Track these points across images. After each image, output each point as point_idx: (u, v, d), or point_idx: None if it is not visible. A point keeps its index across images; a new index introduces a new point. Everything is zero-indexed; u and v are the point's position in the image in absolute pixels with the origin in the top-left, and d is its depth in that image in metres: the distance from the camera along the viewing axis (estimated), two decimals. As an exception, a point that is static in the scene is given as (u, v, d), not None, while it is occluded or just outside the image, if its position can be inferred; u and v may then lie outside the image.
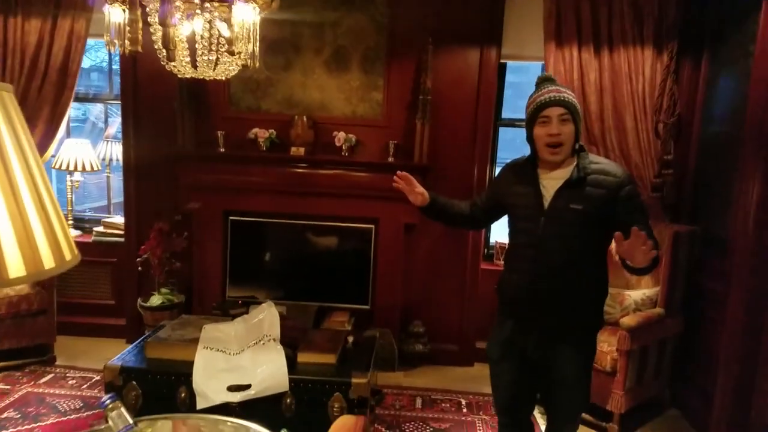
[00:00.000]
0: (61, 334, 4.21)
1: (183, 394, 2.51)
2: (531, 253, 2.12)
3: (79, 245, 4.44)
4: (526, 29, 3.96)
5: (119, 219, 4.36)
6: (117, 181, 4.60)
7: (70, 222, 4.43)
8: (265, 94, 4.06)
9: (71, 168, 4.23)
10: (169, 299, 4.05)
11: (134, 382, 2.54)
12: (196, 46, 2.33)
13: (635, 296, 3.53)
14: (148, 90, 4.10)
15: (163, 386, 2.53)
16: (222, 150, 3.98)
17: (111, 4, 2.27)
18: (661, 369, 3.51)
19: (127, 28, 2.34)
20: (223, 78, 2.58)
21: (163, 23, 2.17)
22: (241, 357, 2.58)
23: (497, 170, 4.42)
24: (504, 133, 4.65)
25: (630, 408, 3.28)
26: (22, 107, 3.74)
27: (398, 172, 2.33)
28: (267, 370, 2.50)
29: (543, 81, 2.19)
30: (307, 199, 3.98)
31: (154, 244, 4.03)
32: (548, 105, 2.08)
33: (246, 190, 4.02)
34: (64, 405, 3.29)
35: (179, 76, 2.52)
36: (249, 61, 2.69)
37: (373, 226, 3.97)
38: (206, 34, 2.33)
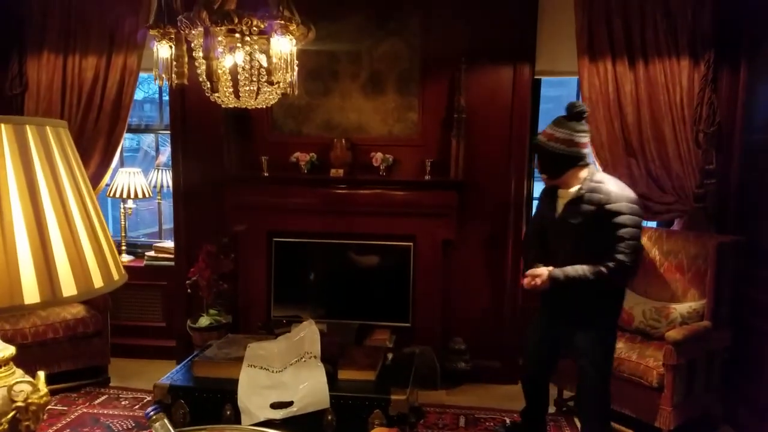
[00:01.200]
0: (115, 356, 4.39)
1: (228, 412, 2.60)
2: (552, 259, 2.73)
3: (132, 269, 4.66)
4: (559, 44, 3.98)
5: (170, 243, 4.55)
6: (168, 207, 4.81)
7: (123, 248, 4.65)
8: (306, 119, 4.20)
9: (124, 195, 4.45)
10: (216, 320, 4.18)
11: (182, 401, 2.65)
12: (239, 77, 2.45)
13: (681, 309, 3.45)
14: (195, 119, 4.29)
15: (209, 404, 2.64)
16: (266, 173, 4.12)
17: (159, 41, 2.43)
18: (710, 384, 3.41)
19: (174, 63, 2.50)
20: (264, 106, 2.70)
21: (207, 57, 2.31)
22: (283, 374, 2.66)
23: (536, 185, 4.43)
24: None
25: (679, 425, 3.19)
26: (79, 139, 3.99)
27: (526, 273, 2.88)
28: (308, 387, 2.57)
29: (559, 123, 2.71)
30: (346, 219, 4.07)
31: (202, 266, 4.18)
32: (533, 150, 2.86)
33: (289, 212, 4.14)
34: (118, 425, 3.43)
35: (223, 106, 2.66)
36: (288, 89, 2.82)
37: (411, 243, 4.03)
38: (247, 66, 2.46)
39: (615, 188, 2.60)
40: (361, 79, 4.11)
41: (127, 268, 4.61)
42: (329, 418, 2.57)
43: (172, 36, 2.41)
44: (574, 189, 2.65)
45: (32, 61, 4.24)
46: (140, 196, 4.53)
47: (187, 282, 4.26)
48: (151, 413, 1.27)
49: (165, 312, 4.60)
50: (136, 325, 4.59)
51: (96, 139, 4.28)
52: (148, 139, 6.33)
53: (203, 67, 2.40)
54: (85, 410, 3.67)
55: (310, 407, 2.54)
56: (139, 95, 5.61)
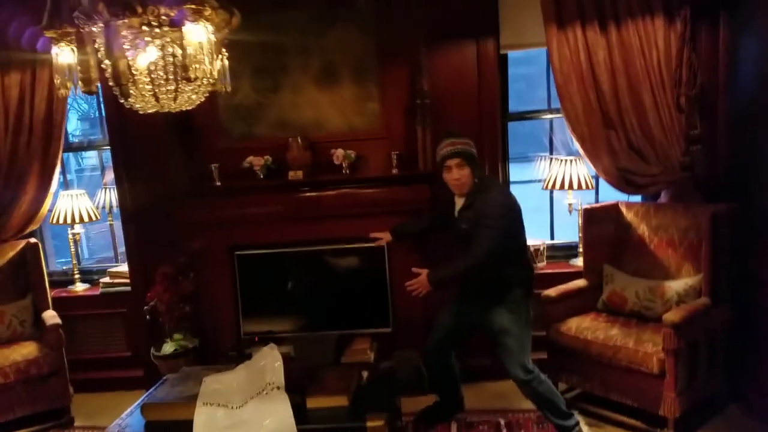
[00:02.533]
0: (80, 392, 4.08)
1: (186, 460, 2.29)
2: (455, 253, 3.08)
3: (87, 299, 4.31)
4: (523, 14, 3.68)
5: (125, 267, 4.20)
6: (120, 228, 4.44)
7: (77, 276, 4.29)
8: (257, 120, 3.87)
9: (68, 221, 4.09)
10: (182, 345, 3.86)
11: (133, 452, 2.33)
12: (151, 76, 2.13)
13: (676, 287, 3.23)
14: (136, 132, 3.91)
15: (164, 452, 2.33)
16: (218, 183, 3.79)
17: (57, 44, 2.10)
18: (715, 364, 3.19)
19: (78, 68, 2.16)
20: (189, 107, 2.38)
21: (111, 56, 1.97)
22: (243, 410, 2.36)
23: (511, 168, 4.16)
24: (520, 127, 4.37)
25: (685, 410, 2.98)
26: (12, 163, 3.59)
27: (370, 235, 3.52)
28: (272, 424, 2.28)
29: (445, 135, 3.05)
30: (312, 224, 3.76)
31: (160, 290, 3.85)
32: (448, 158, 2.94)
33: (248, 222, 3.82)
34: (82, 471, 3.11)
35: (140, 112, 2.32)
36: (218, 85, 2.49)
37: (384, 244, 3.72)
38: (161, 63, 2.13)
39: (493, 201, 2.90)
40: (313, 71, 3.79)
41: (82, 297, 4.26)
42: (301, 455, 2.28)
43: (73, 37, 2.07)
44: (464, 198, 3.01)
45: (-50, 82, 3.85)
46: (86, 219, 4.16)
47: (146, 308, 3.93)
48: None
49: (128, 341, 4.27)
50: (99, 357, 4.26)
51: (30, 162, 3.92)
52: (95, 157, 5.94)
53: (109, 69, 2.06)
54: (48, 457, 3.35)
55: (276, 447, 2.25)
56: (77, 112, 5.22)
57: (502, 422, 3.38)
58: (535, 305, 3.31)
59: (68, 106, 3.99)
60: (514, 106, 4.05)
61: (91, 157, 7.58)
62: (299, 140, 3.72)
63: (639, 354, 3.00)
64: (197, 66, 2.13)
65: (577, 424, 3.10)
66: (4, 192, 3.93)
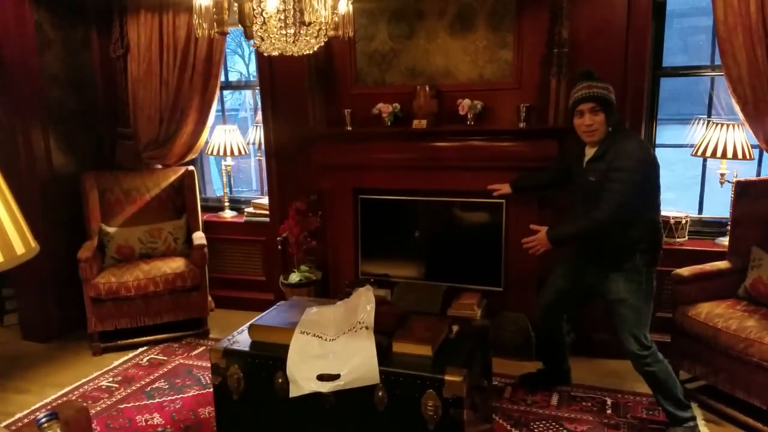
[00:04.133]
0: (220, 307, 4.59)
1: (280, 380, 2.49)
2: (578, 208, 2.89)
3: (233, 225, 4.76)
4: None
5: (266, 200, 4.55)
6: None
7: (226, 204, 4.75)
8: (389, 66, 3.89)
9: (221, 153, 4.50)
10: (306, 276, 4.14)
11: (236, 366, 2.58)
12: (271, 20, 2.23)
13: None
14: (283, 75, 4.17)
15: (262, 370, 2.54)
16: (349, 128, 3.91)
17: (194, -15, 2.28)
18: None
19: (213, 10, 2.33)
20: (308, 52, 2.45)
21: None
22: (335, 343, 2.48)
23: (659, 130, 3.77)
24: (671, 83, 3.90)
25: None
26: (177, 97, 4.04)
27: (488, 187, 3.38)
28: (358, 360, 2.37)
29: (580, 76, 2.79)
30: (433, 174, 3.75)
31: (291, 224, 4.14)
32: (581, 101, 2.71)
33: (373, 167, 3.91)
34: (207, 377, 3.51)
35: (265, 54, 2.46)
36: (338, 31, 2.54)
37: (503, 200, 3.61)
38: (281, 7, 2.22)
39: (630, 152, 2.64)
40: (448, 16, 3.69)
41: (229, 223, 4.73)
42: (380, 394, 2.36)
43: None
44: (595, 147, 2.77)
45: (132, 22, 4.35)
46: (236, 153, 4.55)
47: (278, 239, 4.26)
48: (43, 421, 1.12)
49: (264, 266, 4.66)
50: (238, 278, 4.72)
51: (191, 98, 4.33)
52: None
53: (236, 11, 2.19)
54: (181, 361, 3.83)
55: (357, 382, 2.34)
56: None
57: (609, 401, 3.19)
58: (662, 283, 3.03)
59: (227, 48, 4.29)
60: (668, 61, 3.60)
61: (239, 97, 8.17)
62: (426, 89, 3.68)
63: (774, 351, 2.64)
64: (313, 11, 2.19)
65: (693, 419, 2.82)
66: (170, 123, 4.41)
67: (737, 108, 3.14)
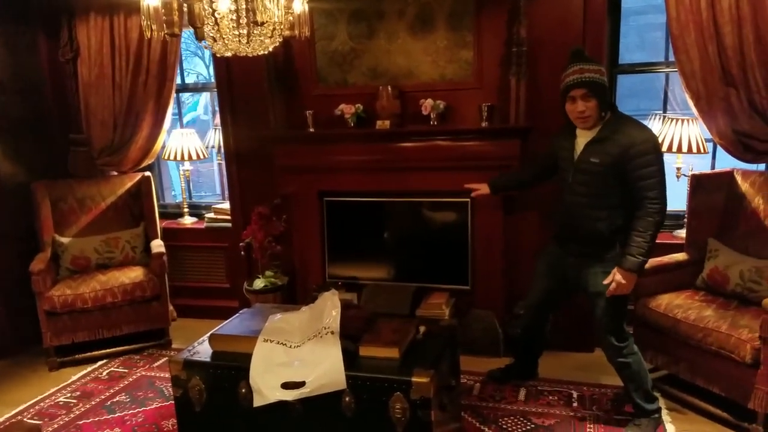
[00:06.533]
0: (184, 316, 4.47)
1: (243, 390, 2.43)
2: (565, 196, 2.82)
3: (194, 232, 4.64)
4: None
5: (228, 205, 4.46)
6: (226, 167, 4.68)
7: (186, 210, 4.63)
8: (351, 67, 3.86)
9: (178, 157, 4.39)
10: (272, 282, 4.07)
11: (197, 377, 2.51)
12: (224, 21, 2.17)
13: (790, 271, 2.82)
14: (241, 75, 4.09)
15: (224, 381, 2.48)
16: (311, 130, 3.86)
17: (142, -13, 2.20)
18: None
19: (162, 11, 2.25)
20: (263, 52, 2.40)
21: (187, -1, 2.03)
22: (300, 350, 2.44)
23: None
24: (629, 80, 3.97)
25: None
26: (131, 101, 3.93)
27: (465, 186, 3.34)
28: (324, 366, 2.33)
29: (571, 57, 2.71)
30: (396, 175, 3.74)
31: (255, 228, 4.06)
32: (573, 87, 2.62)
33: (337, 169, 3.87)
34: (170, 389, 3.38)
35: (218, 55, 2.40)
36: (293, 30, 2.49)
37: (468, 199, 3.61)
38: (232, 6, 2.16)
39: (643, 133, 2.62)
40: (408, 16, 3.68)
41: (189, 230, 4.61)
42: (347, 400, 2.32)
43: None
44: (595, 130, 2.69)
45: (81, 25, 4.21)
46: (194, 157, 4.44)
47: (241, 244, 4.18)
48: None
49: (227, 273, 4.57)
50: (201, 286, 4.61)
51: (146, 101, 4.22)
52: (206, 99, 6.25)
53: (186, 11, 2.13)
54: (143, 373, 3.72)
55: (323, 389, 2.30)
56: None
57: (575, 394, 3.23)
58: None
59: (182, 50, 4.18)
60: (645, 57, 3.67)
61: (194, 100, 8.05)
62: (389, 89, 3.67)
63: (731, 340, 2.71)
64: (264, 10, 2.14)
65: (659, 411, 2.89)
66: (124, 128, 4.29)
67: (691, 103, 3.22)
